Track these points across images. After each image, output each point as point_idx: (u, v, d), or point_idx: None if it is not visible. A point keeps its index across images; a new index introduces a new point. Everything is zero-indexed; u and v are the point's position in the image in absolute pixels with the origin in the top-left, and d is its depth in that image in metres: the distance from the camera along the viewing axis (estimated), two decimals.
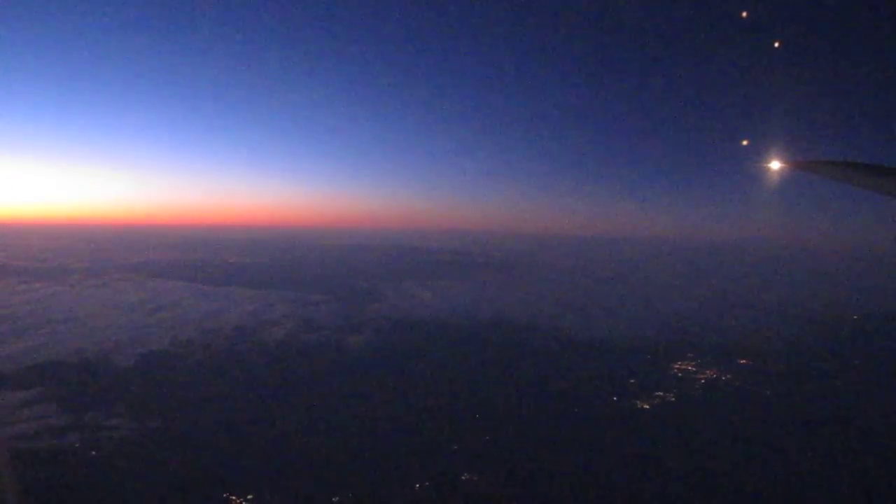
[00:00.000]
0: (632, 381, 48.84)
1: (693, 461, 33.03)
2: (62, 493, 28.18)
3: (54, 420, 36.31)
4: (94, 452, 32.06)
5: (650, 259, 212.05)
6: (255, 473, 30.03)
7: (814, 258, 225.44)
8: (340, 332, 66.78)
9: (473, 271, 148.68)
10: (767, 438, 36.88)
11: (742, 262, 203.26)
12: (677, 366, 54.37)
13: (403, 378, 48.56)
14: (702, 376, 51.30)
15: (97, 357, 52.04)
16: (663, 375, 51.17)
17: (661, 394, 45.45)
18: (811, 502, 29.60)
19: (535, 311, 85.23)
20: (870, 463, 33.48)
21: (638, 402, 43.51)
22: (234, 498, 27.77)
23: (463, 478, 30.28)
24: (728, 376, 51.44)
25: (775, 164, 7.49)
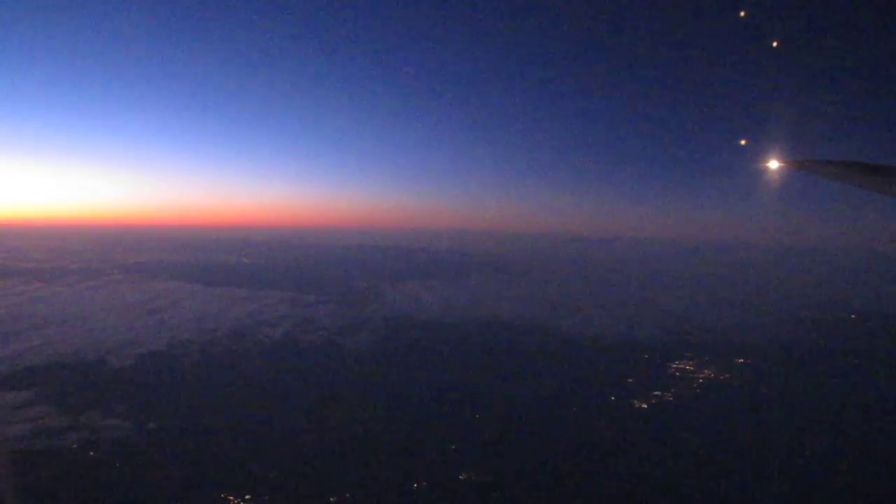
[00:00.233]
0: (630, 380, 48.92)
1: (691, 461, 33.10)
2: (60, 494, 28.19)
3: (52, 421, 36.30)
4: (91, 453, 32.09)
5: (648, 258, 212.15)
6: (253, 473, 30.07)
7: (812, 257, 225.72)
8: (339, 332, 66.82)
9: (473, 271, 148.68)
10: (765, 438, 36.96)
11: (740, 261, 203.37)
12: (675, 365, 54.46)
13: (402, 378, 48.60)
14: (700, 376, 51.39)
15: (95, 358, 52.03)
16: (661, 375, 51.26)
17: (658, 393, 45.53)
18: (809, 502, 29.67)
19: (534, 310, 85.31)
20: (869, 463, 33.58)
21: (636, 401, 43.59)
22: (231, 498, 27.80)
23: (461, 477, 30.34)
24: (726, 376, 51.54)
25: (774, 164, 7.47)
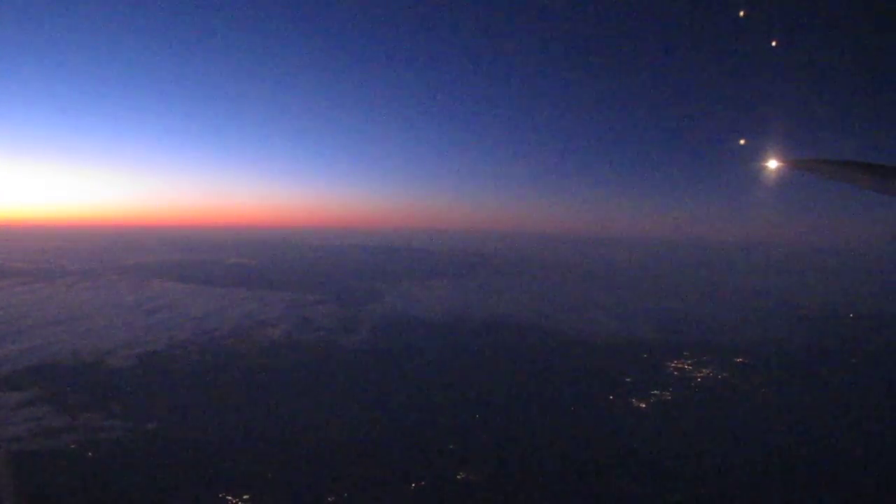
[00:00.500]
0: (628, 379, 48.95)
1: (689, 460, 33.13)
2: (59, 495, 28.18)
3: (51, 421, 36.29)
4: (90, 454, 32.07)
5: (647, 258, 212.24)
6: (251, 473, 30.08)
7: (811, 257, 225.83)
8: (337, 332, 66.85)
9: (471, 271, 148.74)
10: (764, 438, 37.01)
11: (739, 260, 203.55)
12: (674, 364, 54.50)
13: (400, 378, 48.63)
14: (698, 375, 51.43)
15: (94, 358, 52.02)
16: (660, 374, 51.29)
17: (657, 392, 45.57)
18: (809, 501, 29.72)
19: (533, 310, 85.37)
20: (867, 462, 33.62)
21: (634, 400, 43.62)
22: (230, 498, 27.82)
23: (459, 477, 30.36)
24: (724, 375, 51.58)
25: (773, 163, 7.34)
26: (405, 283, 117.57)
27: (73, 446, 32.87)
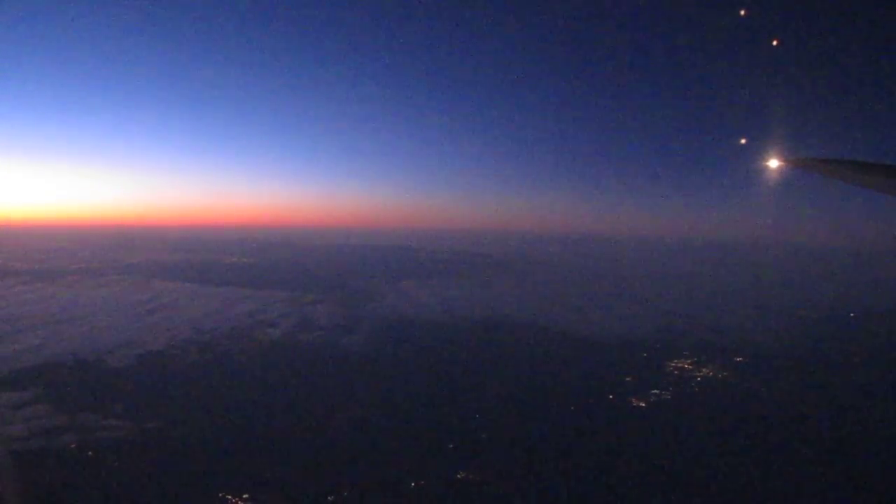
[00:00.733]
0: (627, 378, 48.95)
1: (689, 459, 33.13)
2: (58, 494, 28.22)
3: (51, 421, 36.30)
4: (90, 453, 32.10)
5: (647, 257, 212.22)
6: (251, 473, 30.09)
7: (812, 256, 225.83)
8: (337, 332, 66.89)
9: (471, 271, 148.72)
10: (764, 437, 37.00)
11: (739, 260, 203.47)
12: (673, 364, 54.50)
13: (400, 377, 48.63)
14: (698, 374, 51.43)
15: (94, 358, 52.05)
16: (659, 373, 51.30)
17: (657, 392, 45.57)
18: (808, 501, 29.71)
19: (532, 309, 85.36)
20: (867, 461, 33.61)
21: (633, 399, 43.62)
22: (229, 497, 27.83)
23: (458, 476, 30.36)
24: (724, 374, 51.58)
25: (774, 163, 7.32)
26: (405, 282, 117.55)
27: (72, 446, 32.89)
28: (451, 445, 34.05)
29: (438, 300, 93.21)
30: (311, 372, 49.86)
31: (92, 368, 49.06)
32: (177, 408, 39.55)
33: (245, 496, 27.93)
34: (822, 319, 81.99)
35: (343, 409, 40.03)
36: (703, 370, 52.67)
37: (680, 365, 54.26)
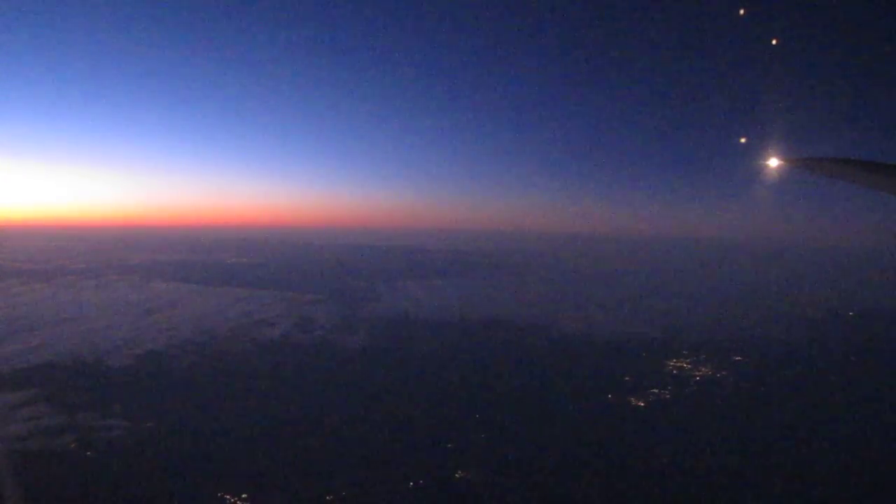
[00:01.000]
0: (626, 378, 48.97)
1: (688, 459, 33.15)
2: (57, 494, 28.24)
3: (50, 420, 36.35)
4: (89, 453, 32.14)
5: (647, 257, 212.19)
6: (250, 473, 30.13)
7: (811, 255, 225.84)
8: (336, 331, 66.91)
9: (470, 271, 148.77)
10: (763, 436, 37.04)
11: (739, 259, 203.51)
12: (672, 363, 54.52)
13: (399, 377, 48.65)
14: (697, 374, 51.45)
15: (93, 358, 52.08)
16: (658, 373, 51.31)
17: (656, 391, 45.59)
18: (807, 500, 29.74)
19: (532, 309, 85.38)
20: (867, 461, 33.63)
21: (632, 399, 43.65)
22: (228, 497, 27.86)
23: (457, 476, 30.40)
24: (723, 374, 51.60)
25: (773, 162, 7.41)
26: (405, 282, 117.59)
27: (72, 446, 32.93)
28: (450, 445, 34.08)
29: (438, 300, 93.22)
30: (311, 372, 49.88)
31: (91, 368, 49.09)
32: (176, 408, 39.56)
33: (245, 496, 27.96)
34: (822, 319, 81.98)
35: (342, 408, 40.06)
36: (702, 370, 52.70)
37: (679, 364, 54.28)
